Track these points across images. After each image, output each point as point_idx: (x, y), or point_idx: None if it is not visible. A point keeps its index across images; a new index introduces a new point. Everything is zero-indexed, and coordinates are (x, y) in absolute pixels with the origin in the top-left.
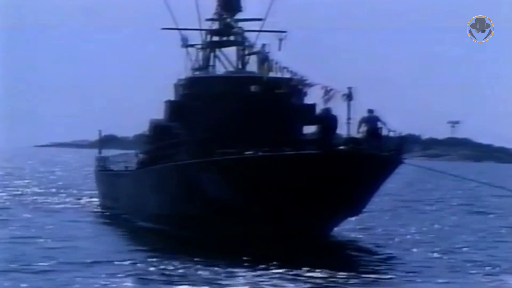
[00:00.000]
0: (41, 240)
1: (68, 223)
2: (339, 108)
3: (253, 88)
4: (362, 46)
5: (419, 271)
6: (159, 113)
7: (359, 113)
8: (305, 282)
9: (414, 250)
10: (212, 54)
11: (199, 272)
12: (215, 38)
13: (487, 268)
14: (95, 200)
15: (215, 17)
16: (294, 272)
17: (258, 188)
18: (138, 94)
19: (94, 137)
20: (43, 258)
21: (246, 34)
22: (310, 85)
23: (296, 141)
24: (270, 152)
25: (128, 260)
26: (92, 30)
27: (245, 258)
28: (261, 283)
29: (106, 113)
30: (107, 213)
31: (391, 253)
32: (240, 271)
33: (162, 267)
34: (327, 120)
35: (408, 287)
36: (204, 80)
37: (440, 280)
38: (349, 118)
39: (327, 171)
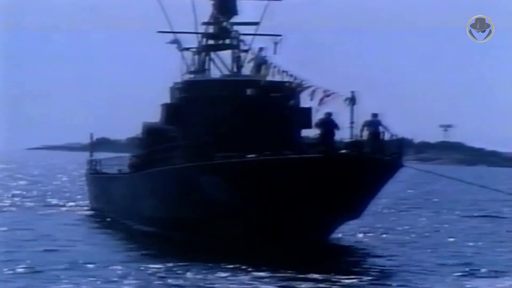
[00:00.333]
0: (36, 243)
1: (61, 226)
2: (340, 111)
3: (250, 91)
4: (361, 48)
5: (415, 274)
6: (152, 116)
7: (357, 115)
8: (304, 285)
9: (412, 252)
10: (207, 58)
11: (198, 276)
12: (211, 42)
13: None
14: (83, 203)
15: (211, 20)
16: (293, 275)
17: (261, 191)
18: (131, 97)
19: (87, 139)
20: (39, 261)
21: (242, 38)
22: (307, 88)
23: (293, 144)
24: (272, 156)
25: (125, 263)
26: (86, 32)
27: (244, 261)
28: (260, 286)
29: (98, 115)
30: (100, 216)
31: (389, 256)
32: (239, 274)
33: (160, 270)
34: (328, 124)
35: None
36: (201, 83)
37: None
38: (352, 122)
39: (330, 175)
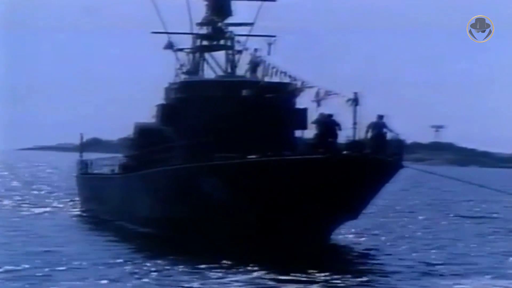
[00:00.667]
0: (29, 244)
1: (53, 227)
2: (340, 112)
3: (245, 92)
4: (359, 48)
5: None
6: (144, 116)
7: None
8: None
9: (409, 252)
10: (201, 58)
11: (196, 276)
12: (205, 42)
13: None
14: (73, 203)
15: (205, 21)
16: (292, 275)
17: (262, 192)
18: (123, 97)
19: (78, 140)
20: (34, 263)
21: (237, 38)
22: (308, 89)
23: (288, 145)
24: (273, 156)
25: (123, 264)
26: (79, 32)
27: (243, 261)
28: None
29: (90, 116)
30: (92, 217)
31: (386, 256)
32: (238, 275)
33: (158, 270)
34: (328, 125)
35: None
36: (198, 84)
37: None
38: (355, 123)
39: (332, 176)
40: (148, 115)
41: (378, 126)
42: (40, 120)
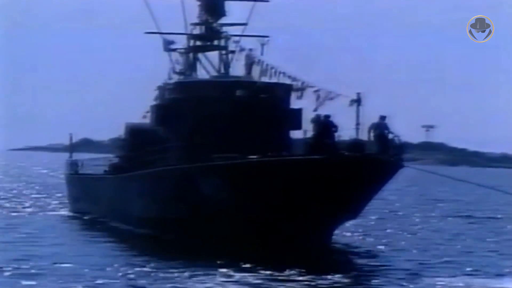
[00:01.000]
0: (24, 246)
1: (45, 228)
2: (338, 112)
3: (240, 92)
4: (357, 48)
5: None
6: (135, 117)
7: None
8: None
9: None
10: (194, 58)
11: (195, 277)
12: (198, 43)
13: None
14: (62, 204)
15: (198, 21)
16: (294, 276)
17: (263, 191)
18: (114, 97)
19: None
20: (31, 264)
21: (233, 39)
22: (307, 89)
23: (283, 145)
24: (274, 157)
25: (118, 265)
26: (73, 32)
27: (244, 262)
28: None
29: (81, 116)
30: (83, 218)
31: (385, 257)
32: (237, 275)
33: (159, 271)
34: (326, 126)
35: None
36: (193, 84)
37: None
38: (358, 123)
39: (336, 176)
40: (139, 116)
41: (381, 127)
42: (31, 120)
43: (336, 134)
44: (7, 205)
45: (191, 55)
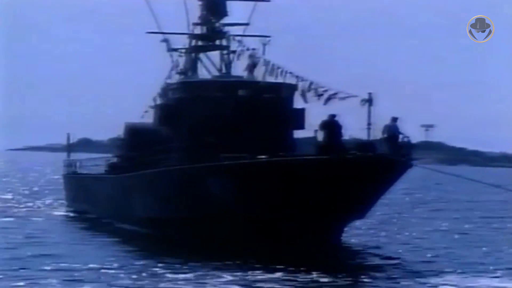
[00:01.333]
0: (26, 246)
1: (45, 229)
2: (346, 113)
3: (244, 92)
4: (358, 48)
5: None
6: (135, 117)
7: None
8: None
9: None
10: (196, 58)
11: (204, 276)
12: (201, 42)
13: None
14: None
15: (200, 21)
16: (301, 276)
17: (271, 191)
18: (114, 97)
19: (70, 140)
20: (32, 265)
21: (237, 38)
22: (316, 89)
23: (287, 145)
24: (284, 157)
25: (122, 264)
26: (73, 31)
27: (251, 262)
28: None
29: (81, 116)
30: (83, 218)
31: (391, 256)
32: (245, 275)
33: (168, 272)
34: (333, 126)
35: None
36: (198, 84)
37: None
38: (369, 123)
39: (347, 176)
40: (138, 115)
41: (393, 129)
42: (30, 120)
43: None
44: (6, 204)
45: (192, 54)
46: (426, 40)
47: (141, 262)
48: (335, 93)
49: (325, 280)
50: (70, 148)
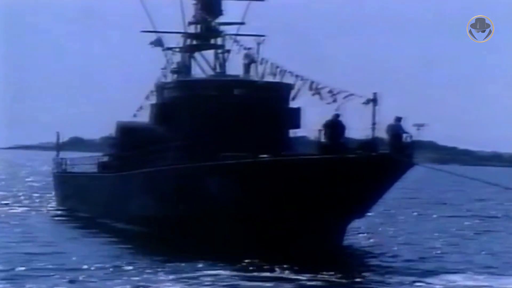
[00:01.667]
0: (24, 245)
1: (36, 227)
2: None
3: (242, 91)
4: (357, 47)
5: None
6: (127, 115)
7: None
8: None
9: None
10: (191, 57)
11: (204, 277)
12: (195, 42)
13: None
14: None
15: (196, 20)
16: (301, 276)
17: (273, 191)
18: (106, 96)
19: (60, 139)
20: (27, 265)
21: (235, 38)
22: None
23: (285, 144)
24: (287, 156)
25: (122, 263)
26: (67, 30)
27: (250, 262)
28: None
29: (72, 115)
30: (74, 216)
31: (391, 255)
32: (249, 274)
33: (170, 272)
34: (337, 125)
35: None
36: (195, 83)
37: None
38: (374, 123)
39: (348, 175)
40: (130, 114)
41: (396, 128)
42: (20, 119)
43: (343, 135)
44: None
45: (187, 53)
46: (426, 40)
47: (137, 261)
48: (338, 93)
49: (325, 280)
50: (59, 146)
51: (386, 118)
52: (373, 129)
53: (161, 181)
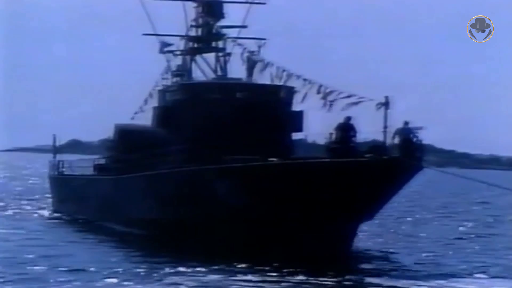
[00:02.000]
0: (23, 248)
1: (34, 230)
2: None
3: (244, 94)
4: (356, 48)
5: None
6: (125, 118)
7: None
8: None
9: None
10: (192, 60)
11: (207, 279)
12: (196, 45)
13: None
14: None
15: (198, 23)
16: (303, 278)
17: (282, 195)
18: (104, 98)
19: (58, 141)
20: (27, 268)
21: (238, 41)
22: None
23: (288, 147)
24: (296, 160)
25: (124, 266)
26: (70, 33)
27: (263, 265)
28: None
29: (70, 117)
30: (70, 219)
31: (398, 258)
32: (252, 278)
33: (177, 275)
34: (348, 128)
35: None
36: (198, 86)
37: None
38: (385, 127)
39: (358, 179)
40: (128, 117)
41: (405, 132)
42: (18, 121)
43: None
44: None
45: (188, 57)
46: (426, 40)
47: (139, 264)
48: (349, 96)
49: (323, 284)
50: (56, 149)
51: (388, 121)
52: (385, 132)
53: (165, 183)
